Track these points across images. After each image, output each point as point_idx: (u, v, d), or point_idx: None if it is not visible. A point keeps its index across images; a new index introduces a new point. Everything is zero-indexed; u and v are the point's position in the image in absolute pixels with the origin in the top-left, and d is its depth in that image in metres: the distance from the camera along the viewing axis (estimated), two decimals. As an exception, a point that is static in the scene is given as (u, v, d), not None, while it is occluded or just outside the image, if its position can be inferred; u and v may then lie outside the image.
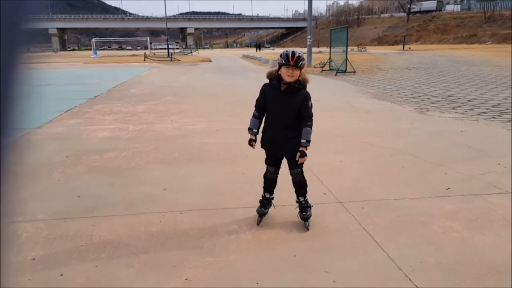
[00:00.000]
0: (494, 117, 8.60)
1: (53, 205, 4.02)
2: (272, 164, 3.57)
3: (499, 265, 2.92)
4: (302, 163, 3.40)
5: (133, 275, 2.83)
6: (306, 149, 3.28)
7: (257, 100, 3.48)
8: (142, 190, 4.45)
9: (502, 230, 3.46)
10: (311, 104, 3.32)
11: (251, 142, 3.46)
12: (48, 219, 3.70)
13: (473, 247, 3.19)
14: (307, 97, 3.31)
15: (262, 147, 3.50)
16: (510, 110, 9.45)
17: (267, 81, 3.45)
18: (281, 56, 3.26)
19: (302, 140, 3.26)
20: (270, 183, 3.64)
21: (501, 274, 2.82)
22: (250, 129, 3.46)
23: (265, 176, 3.64)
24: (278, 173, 3.60)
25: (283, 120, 3.33)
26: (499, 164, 5.22)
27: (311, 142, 3.31)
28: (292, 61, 3.18)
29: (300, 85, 3.29)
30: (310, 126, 3.30)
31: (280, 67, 3.28)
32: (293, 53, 3.22)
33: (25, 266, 2.92)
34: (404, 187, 4.47)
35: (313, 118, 3.34)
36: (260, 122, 3.48)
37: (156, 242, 3.28)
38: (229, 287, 2.70)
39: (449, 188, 4.42)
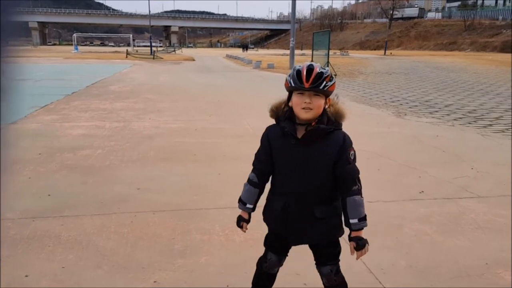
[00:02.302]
0: (469, 123, 8.78)
1: (22, 204, 3.90)
2: (276, 250, 2.20)
3: (469, 268, 2.96)
4: (338, 256, 2.16)
5: (100, 277, 2.75)
6: (362, 233, 2.00)
7: (257, 154, 2.12)
8: (115, 189, 4.36)
9: (472, 234, 3.51)
10: (354, 155, 1.97)
11: (240, 223, 2.15)
12: (16, 218, 3.58)
13: (444, 250, 3.23)
14: (347, 143, 1.94)
15: (264, 220, 2.19)
16: (485, 116, 9.66)
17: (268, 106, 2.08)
18: (289, 76, 1.91)
19: (353, 220, 1.96)
20: (266, 279, 2.29)
21: (470, 277, 2.85)
22: (241, 201, 2.15)
23: (259, 265, 2.27)
24: (281, 265, 2.26)
25: (304, 186, 1.96)
26: (472, 168, 5.32)
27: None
28: (308, 82, 1.83)
29: (331, 125, 1.92)
30: (359, 193, 1.96)
31: (290, 95, 1.95)
32: (310, 68, 1.86)
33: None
34: (379, 190, 4.50)
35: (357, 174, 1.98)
36: (260, 192, 2.14)
37: (126, 243, 3.21)
38: (198, 289, 2.66)
39: (422, 191, 4.48)
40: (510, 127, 8.39)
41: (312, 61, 21.43)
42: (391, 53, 55.34)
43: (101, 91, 12.94)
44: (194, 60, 37.13)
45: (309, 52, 26.29)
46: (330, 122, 1.93)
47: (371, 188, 4.55)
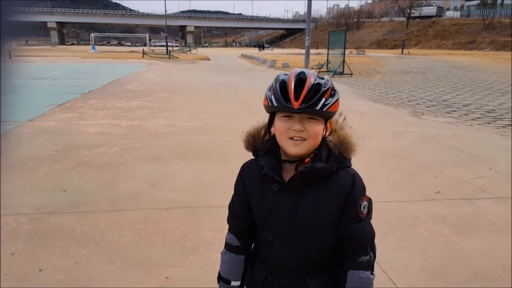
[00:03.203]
0: (488, 123, 8.60)
1: (37, 200, 3.96)
2: None
3: (485, 270, 2.89)
4: None
5: (112, 272, 2.77)
6: None
7: (231, 207, 1.48)
8: (129, 186, 4.40)
9: (489, 235, 3.43)
10: (368, 207, 1.29)
11: None
12: (31, 214, 3.64)
13: (459, 251, 3.16)
14: (357, 189, 1.29)
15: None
16: (504, 116, 9.45)
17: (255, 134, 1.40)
18: (270, 89, 1.26)
19: None
20: None
21: (486, 279, 2.79)
22: (222, 280, 1.44)
23: None
24: None
25: (293, 251, 1.31)
26: (490, 169, 5.20)
27: None
28: (298, 99, 1.17)
29: (333, 163, 1.25)
30: (369, 268, 1.27)
31: (272, 117, 1.29)
32: (300, 78, 1.19)
33: (3, 261, 2.87)
34: (394, 190, 4.44)
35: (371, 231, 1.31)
36: (247, 259, 1.42)
37: (138, 239, 3.23)
38: (209, 287, 2.65)
39: (438, 192, 4.40)
40: (510, 125, 8.23)
41: (327, 59, 20.78)
42: (408, 52, 54.63)
43: (117, 90, 13.09)
44: (209, 59, 37.27)
45: (324, 51, 26.20)
46: (332, 157, 1.25)
47: (386, 188, 4.50)
